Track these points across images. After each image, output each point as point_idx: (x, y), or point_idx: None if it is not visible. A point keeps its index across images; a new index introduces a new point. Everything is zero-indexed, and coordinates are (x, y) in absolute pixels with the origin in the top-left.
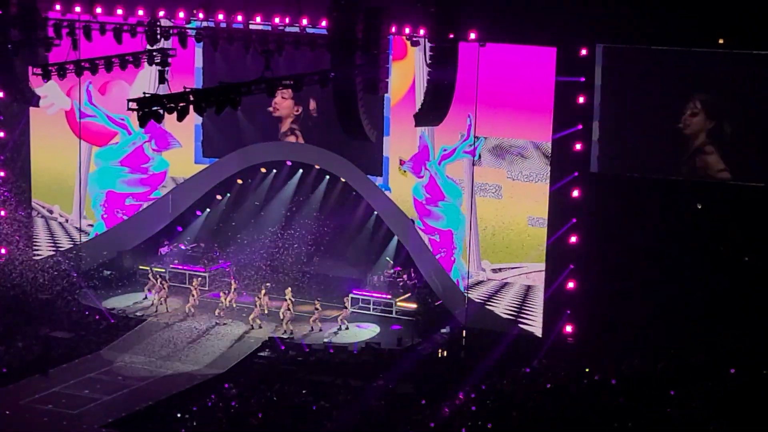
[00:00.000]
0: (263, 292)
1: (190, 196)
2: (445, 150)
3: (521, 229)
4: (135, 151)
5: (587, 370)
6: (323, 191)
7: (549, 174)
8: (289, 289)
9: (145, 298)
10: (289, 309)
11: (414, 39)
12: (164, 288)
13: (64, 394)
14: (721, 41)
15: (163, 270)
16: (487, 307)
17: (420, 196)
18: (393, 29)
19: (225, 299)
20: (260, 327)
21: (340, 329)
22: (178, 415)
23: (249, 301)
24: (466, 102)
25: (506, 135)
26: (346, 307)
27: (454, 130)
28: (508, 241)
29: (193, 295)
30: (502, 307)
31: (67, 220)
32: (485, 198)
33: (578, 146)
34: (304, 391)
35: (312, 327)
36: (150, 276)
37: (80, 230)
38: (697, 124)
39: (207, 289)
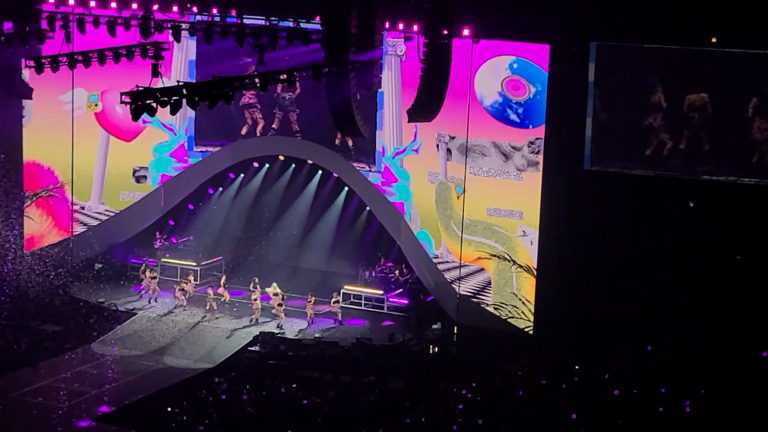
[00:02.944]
0: (254, 287)
1: (183, 190)
2: (398, 148)
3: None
4: (179, 147)
5: (577, 367)
6: (316, 186)
7: (506, 170)
8: (275, 284)
9: (138, 291)
10: (280, 304)
11: (407, 35)
12: (155, 282)
13: (54, 387)
14: (713, 40)
15: (155, 264)
16: (473, 299)
17: (376, 181)
18: (387, 25)
19: (213, 293)
20: (257, 321)
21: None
22: (169, 409)
23: (240, 295)
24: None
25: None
26: (338, 302)
27: (406, 134)
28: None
29: (183, 289)
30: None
31: (83, 207)
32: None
33: (571, 143)
34: (294, 386)
35: (309, 322)
36: (142, 270)
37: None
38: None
39: (198, 282)
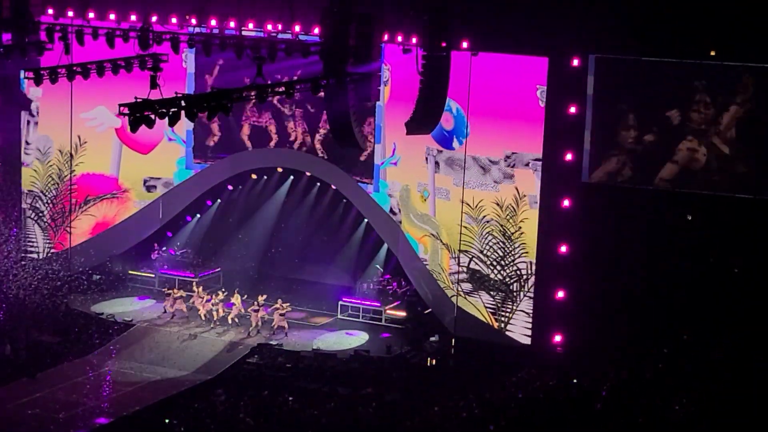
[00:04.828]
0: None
1: (181, 202)
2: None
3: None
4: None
5: (575, 380)
6: (313, 198)
7: (484, 182)
8: (261, 296)
9: (164, 312)
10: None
11: (406, 47)
12: (181, 297)
13: (52, 399)
14: (712, 53)
15: (153, 275)
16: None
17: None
18: (385, 37)
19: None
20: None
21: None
22: (166, 421)
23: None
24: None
25: (494, 145)
26: (278, 309)
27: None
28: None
29: (178, 298)
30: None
31: None
32: (439, 199)
33: (569, 156)
34: (292, 398)
35: (279, 329)
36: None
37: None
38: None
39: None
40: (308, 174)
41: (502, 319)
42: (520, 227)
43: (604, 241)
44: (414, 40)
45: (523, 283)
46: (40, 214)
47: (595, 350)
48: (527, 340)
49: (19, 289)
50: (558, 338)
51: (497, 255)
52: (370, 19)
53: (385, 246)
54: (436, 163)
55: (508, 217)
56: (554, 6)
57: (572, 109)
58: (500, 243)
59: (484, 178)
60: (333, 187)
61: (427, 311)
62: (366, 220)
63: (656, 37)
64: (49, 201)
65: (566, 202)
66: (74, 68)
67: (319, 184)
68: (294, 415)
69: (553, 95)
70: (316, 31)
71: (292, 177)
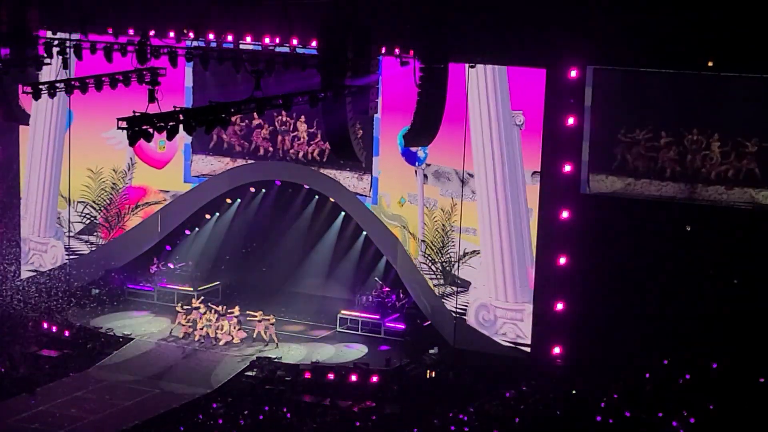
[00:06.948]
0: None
1: (179, 216)
2: None
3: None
4: None
5: (574, 392)
6: (312, 211)
7: (464, 193)
8: (237, 306)
9: (178, 335)
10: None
11: (404, 59)
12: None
13: (52, 413)
14: (710, 64)
15: (152, 289)
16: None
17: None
18: (383, 50)
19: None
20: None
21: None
22: None
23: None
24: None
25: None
26: (266, 319)
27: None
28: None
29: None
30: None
31: None
32: (427, 208)
33: (568, 168)
34: (290, 412)
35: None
36: (182, 310)
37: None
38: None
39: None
40: (306, 187)
41: (441, 291)
42: (452, 226)
43: (603, 252)
44: (411, 53)
45: (451, 267)
46: (93, 219)
47: (594, 362)
48: (451, 308)
49: (18, 304)
50: (557, 350)
51: (440, 245)
52: (368, 32)
53: (384, 258)
54: (425, 175)
55: (446, 218)
56: (552, 18)
57: (570, 121)
58: (441, 237)
59: (464, 189)
60: (331, 199)
61: (426, 323)
62: (365, 232)
63: (654, 48)
64: (102, 208)
65: (565, 214)
66: (72, 82)
67: (317, 196)
68: (293, 429)
69: (551, 107)
70: (314, 44)
71: (290, 190)
